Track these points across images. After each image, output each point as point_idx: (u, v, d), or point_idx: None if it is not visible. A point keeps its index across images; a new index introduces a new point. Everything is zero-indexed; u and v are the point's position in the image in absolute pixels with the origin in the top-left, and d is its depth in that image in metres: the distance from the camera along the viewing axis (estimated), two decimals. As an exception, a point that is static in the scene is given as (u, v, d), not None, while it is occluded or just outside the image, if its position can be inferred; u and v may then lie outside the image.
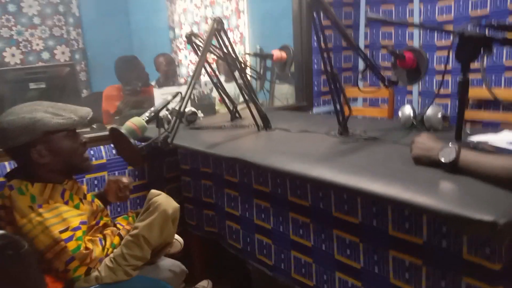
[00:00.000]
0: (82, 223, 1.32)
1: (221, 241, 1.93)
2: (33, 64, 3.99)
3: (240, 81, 1.85)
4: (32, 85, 1.98)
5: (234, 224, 1.82)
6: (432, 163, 1.11)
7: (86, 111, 1.41)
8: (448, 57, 1.32)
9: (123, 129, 1.41)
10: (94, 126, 2.17)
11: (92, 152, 1.97)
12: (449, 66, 2.45)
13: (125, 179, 1.62)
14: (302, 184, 1.46)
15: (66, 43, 4.30)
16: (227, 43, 1.77)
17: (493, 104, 2.40)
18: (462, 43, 1.22)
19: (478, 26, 1.20)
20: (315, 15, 1.47)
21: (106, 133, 1.96)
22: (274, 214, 1.61)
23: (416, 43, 2.73)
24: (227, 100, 2.09)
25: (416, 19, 2.71)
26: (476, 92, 2.34)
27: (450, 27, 2.52)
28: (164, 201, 1.41)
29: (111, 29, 4.25)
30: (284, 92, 3.20)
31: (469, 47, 1.21)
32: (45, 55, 4.18)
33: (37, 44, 4.13)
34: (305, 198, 1.46)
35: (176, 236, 1.66)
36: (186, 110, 1.98)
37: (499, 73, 2.37)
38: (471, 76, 1.30)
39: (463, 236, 1.03)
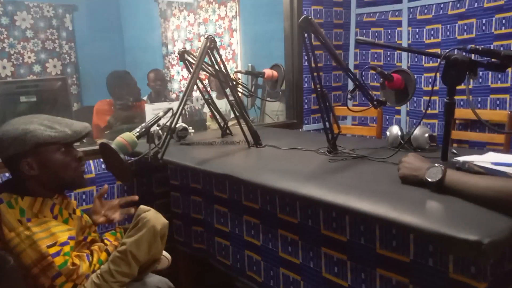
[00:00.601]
0: (70, 238, 1.31)
1: (209, 257, 1.91)
2: (24, 77, 3.97)
3: (231, 98, 1.87)
4: (23, 99, 1.97)
5: (223, 241, 1.81)
6: (419, 182, 1.14)
7: (82, 126, 1.38)
8: (435, 78, 1.36)
9: (113, 145, 1.41)
10: (84, 140, 2.16)
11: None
12: (437, 87, 2.51)
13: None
14: (291, 201, 1.47)
15: (58, 57, 4.30)
16: (219, 60, 1.80)
17: (479, 125, 2.45)
18: (448, 67, 1.26)
19: (464, 50, 1.24)
20: (306, 36, 1.50)
21: (96, 147, 1.96)
22: (263, 230, 1.61)
23: (404, 64, 2.79)
24: (218, 117, 2.11)
25: (404, 41, 2.78)
26: (463, 113, 2.39)
27: (437, 50, 2.58)
28: (153, 217, 1.40)
29: (104, 45, 4.26)
30: (275, 110, 3.24)
31: (455, 71, 1.25)
32: (37, 68, 4.17)
33: (29, 57, 4.12)
34: (294, 215, 1.46)
35: (164, 253, 1.64)
36: (177, 126, 1.99)
37: (485, 95, 2.42)
38: (458, 97, 1.33)
39: (449, 255, 1.05)
